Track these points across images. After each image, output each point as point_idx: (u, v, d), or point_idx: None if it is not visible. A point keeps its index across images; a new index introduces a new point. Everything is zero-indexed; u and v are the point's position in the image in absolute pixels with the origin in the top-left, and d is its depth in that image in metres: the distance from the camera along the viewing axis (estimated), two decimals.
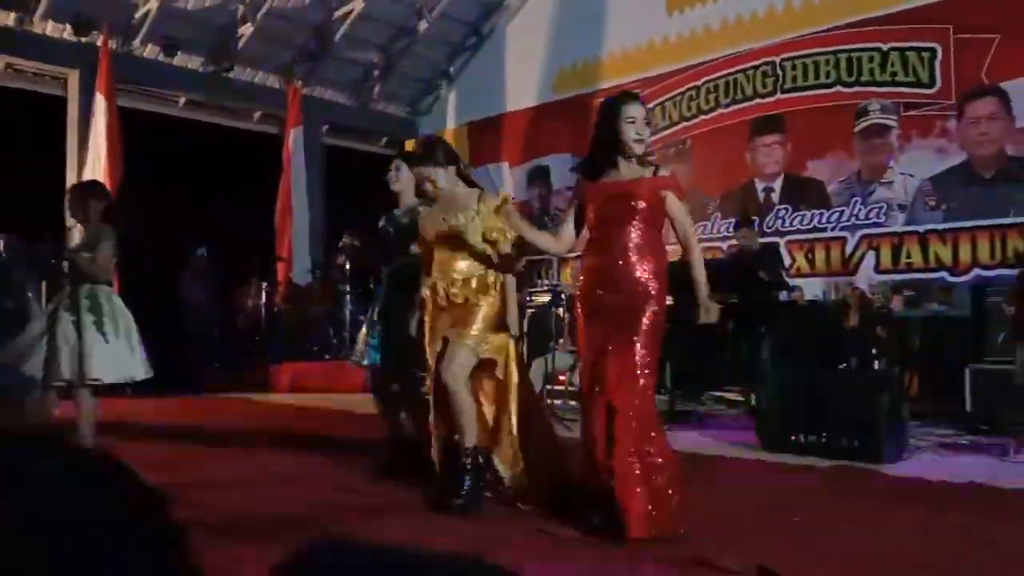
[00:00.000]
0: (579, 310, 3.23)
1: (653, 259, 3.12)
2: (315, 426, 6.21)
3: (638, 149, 3.14)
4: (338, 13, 11.09)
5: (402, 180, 4.30)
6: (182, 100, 11.34)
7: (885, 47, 8.28)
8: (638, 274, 3.09)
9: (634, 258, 3.09)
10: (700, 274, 3.11)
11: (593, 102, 10.29)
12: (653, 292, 3.09)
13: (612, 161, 3.21)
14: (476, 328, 3.46)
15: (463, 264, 3.54)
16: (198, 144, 10.86)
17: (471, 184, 3.74)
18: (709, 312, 3.08)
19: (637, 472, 2.91)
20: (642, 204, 3.11)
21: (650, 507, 2.88)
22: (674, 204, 3.16)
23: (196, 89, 11.15)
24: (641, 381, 3.00)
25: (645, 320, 3.04)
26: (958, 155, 7.81)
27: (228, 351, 9.68)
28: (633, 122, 3.13)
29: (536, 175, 11.30)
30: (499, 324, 3.55)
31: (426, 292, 3.60)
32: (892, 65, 8.24)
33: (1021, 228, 7.27)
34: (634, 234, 3.10)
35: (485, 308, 3.50)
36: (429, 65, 12.61)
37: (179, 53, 10.67)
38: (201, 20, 10.53)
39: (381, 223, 4.40)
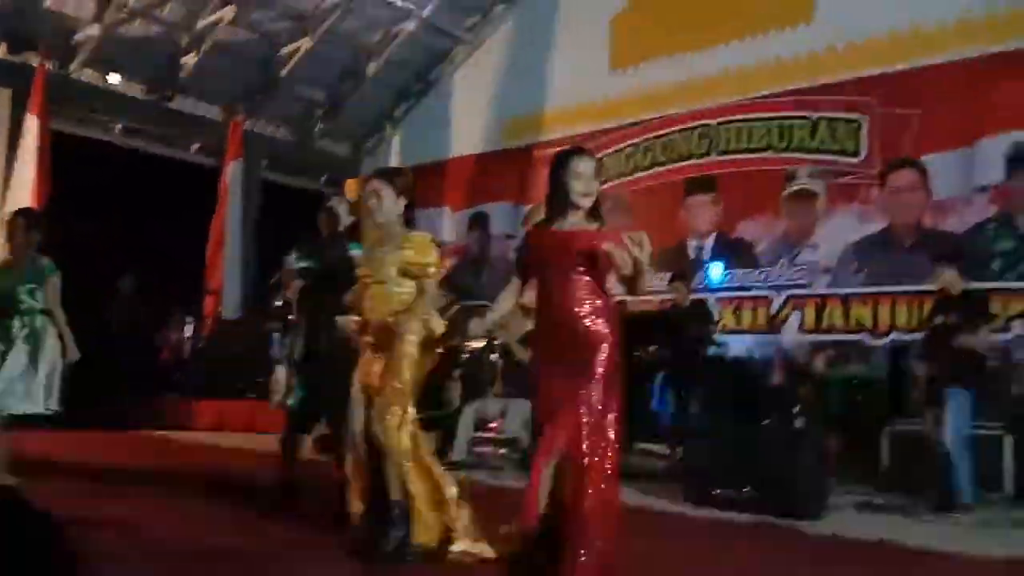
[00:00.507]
0: (533, 359, 3.24)
1: (601, 306, 3.15)
2: (231, 467, 6.02)
3: (585, 203, 3.20)
4: (285, 50, 11.09)
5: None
6: (119, 126, 11.11)
7: (815, 116, 8.66)
8: (587, 322, 3.11)
9: (581, 306, 3.12)
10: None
11: (536, 153, 10.54)
12: (604, 338, 3.11)
13: (561, 213, 3.27)
14: (403, 378, 3.43)
15: (391, 304, 3.52)
16: (133, 172, 10.63)
17: (407, 224, 3.74)
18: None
19: (588, 527, 2.87)
20: (585, 248, 3.16)
21: (596, 560, 2.86)
22: (618, 256, 3.20)
23: (134, 116, 10.95)
24: (604, 428, 3.00)
25: (600, 367, 3.05)
26: (880, 222, 8.16)
27: (150, 386, 9.36)
28: (580, 177, 3.19)
29: (476, 221, 11.38)
30: (424, 367, 3.53)
31: (354, 331, 3.57)
32: (821, 134, 8.61)
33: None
34: (579, 283, 3.14)
35: (413, 351, 3.47)
36: (375, 106, 12.67)
37: (119, 79, 10.48)
38: (144, 47, 10.39)
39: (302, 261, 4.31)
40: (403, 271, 3.50)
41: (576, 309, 3.09)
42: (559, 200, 3.22)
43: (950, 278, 5.14)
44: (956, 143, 7.74)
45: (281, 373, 4.32)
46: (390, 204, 3.61)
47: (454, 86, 12.17)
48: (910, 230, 8.01)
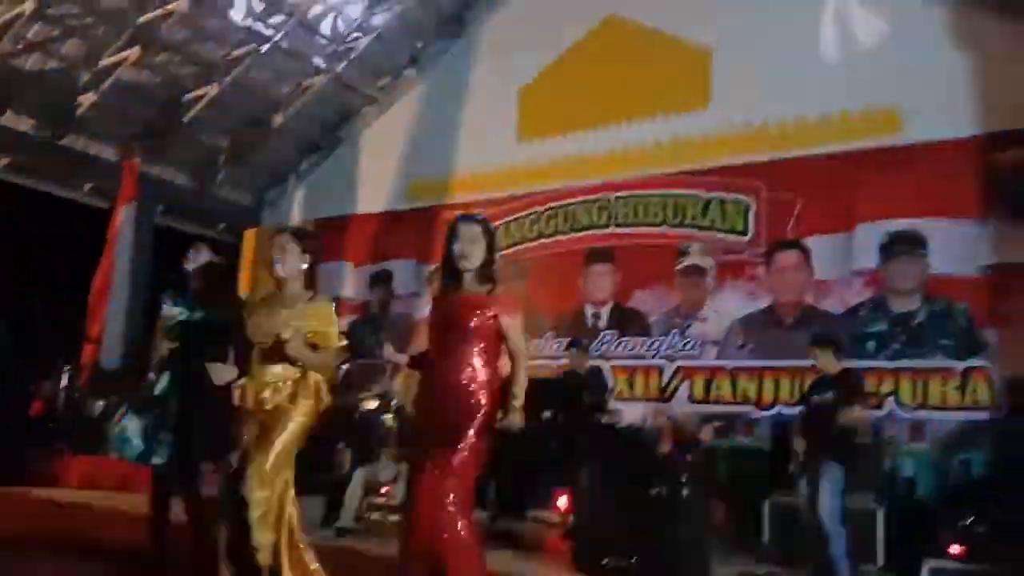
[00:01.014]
0: (413, 422, 3.23)
1: (484, 377, 3.18)
2: (98, 529, 5.64)
3: (465, 265, 3.25)
4: (191, 95, 10.87)
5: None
6: (4, 161, 10.56)
7: (707, 196, 9.11)
8: (466, 391, 3.13)
9: (465, 375, 3.14)
10: (519, 387, 3.18)
11: (442, 214, 10.62)
12: (478, 409, 3.13)
13: (454, 278, 3.31)
14: (285, 448, 3.33)
15: (279, 368, 3.43)
16: (17, 211, 10.07)
17: (311, 286, 3.67)
18: (514, 416, 3.13)
19: None
20: (475, 322, 3.19)
21: None
22: (507, 323, 3.26)
23: (23, 152, 10.43)
24: (462, 499, 3.00)
25: (470, 438, 3.06)
26: (765, 299, 8.58)
27: (20, 439, 8.70)
28: (462, 239, 3.25)
29: (379, 278, 11.31)
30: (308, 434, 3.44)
31: (237, 394, 3.45)
32: (712, 212, 9.06)
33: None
34: (467, 351, 3.17)
35: (293, 424, 3.37)
36: (280, 158, 12.53)
37: (9, 112, 10.01)
38: (38, 82, 9.98)
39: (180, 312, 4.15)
40: (305, 339, 3.41)
41: (457, 377, 3.13)
42: (447, 265, 3.31)
43: (825, 358, 5.44)
44: (836, 228, 8.29)
45: (133, 424, 4.02)
46: (294, 261, 3.55)
47: (363, 143, 12.20)
48: (793, 308, 8.45)
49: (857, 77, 8.41)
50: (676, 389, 8.78)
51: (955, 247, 7.66)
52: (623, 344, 9.23)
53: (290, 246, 3.54)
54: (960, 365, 7.49)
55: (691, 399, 8.66)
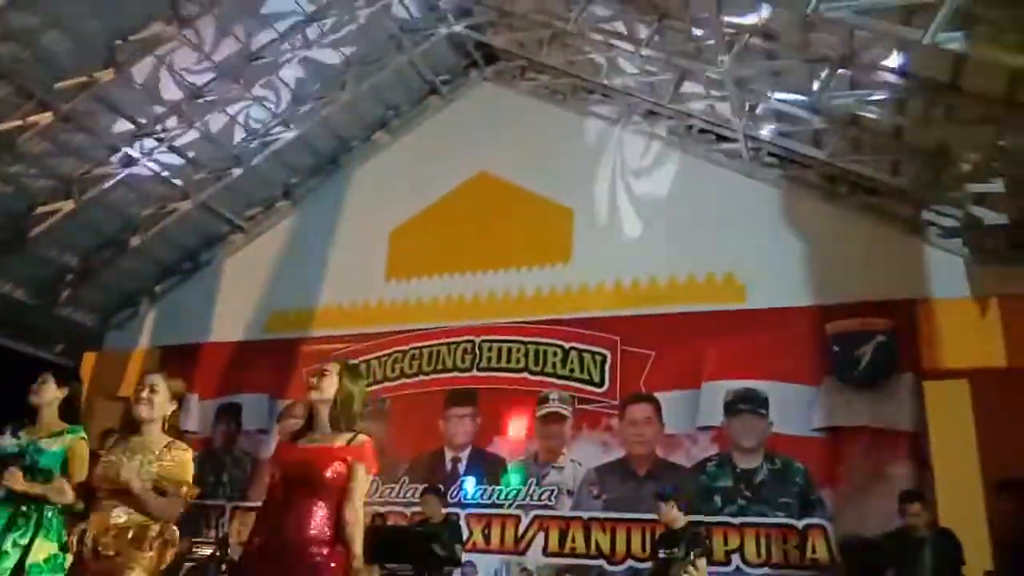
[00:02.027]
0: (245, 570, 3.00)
1: (328, 529, 3.02)
2: None
3: (321, 407, 3.16)
4: (43, 208, 10.32)
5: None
6: None
7: (567, 346, 9.38)
8: (312, 548, 2.96)
9: (312, 531, 2.97)
10: (355, 546, 3.00)
11: (301, 349, 10.36)
12: (319, 564, 2.95)
13: (309, 426, 3.21)
14: None
15: (122, 512, 3.15)
16: None
17: (169, 429, 3.45)
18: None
19: None
20: (328, 473, 3.06)
21: None
22: (358, 472, 3.13)
23: None
24: None
25: None
26: (618, 450, 8.74)
27: None
28: (319, 386, 3.18)
29: (226, 411, 10.69)
30: None
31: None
32: (571, 362, 9.30)
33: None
34: (313, 502, 3.02)
35: (137, 570, 3.06)
36: (133, 279, 11.95)
37: None
38: None
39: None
40: (156, 485, 3.18)
41: (301, 535, 2.96)
42: (308, 409, 3.21)
43: (669, 512, 5.54)
44: (684, 384, 8.68)
45: None
46: (162, 403, 3.38)
47: (224, 270, 11.90)
48: (645, 460, 8.63)
49: (703, 248, 9.15)
50: (531, 540, 8.61)
51: (793, 408, 8.17)
52: (481, 491, 9.05)
53: (162, 386, 3.38)
54: (800, 523, 7.80)
55: (546, 551, 8.51)
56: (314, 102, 10.82)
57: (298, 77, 10.50)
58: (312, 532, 2.98)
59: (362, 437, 3.19)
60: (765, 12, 7.65)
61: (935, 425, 7.70)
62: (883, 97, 7.67)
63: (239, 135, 10.79)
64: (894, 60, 7.25)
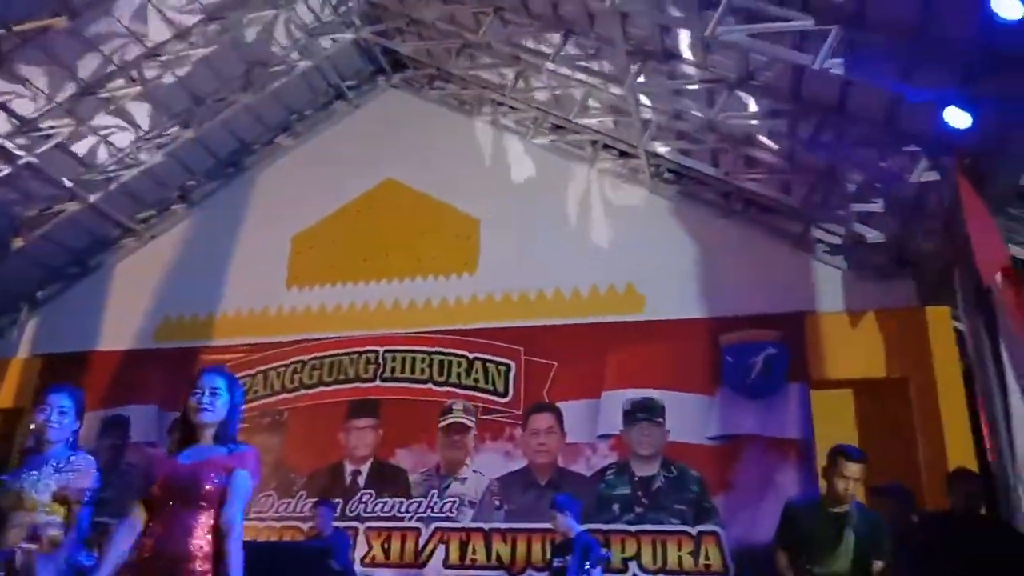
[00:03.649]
0: None
1: (210, 542, 2.91)
2: None
3: (206, 420, 3.05)
4: None
5: None
6: None
7: (471, 356, 9.36)
8: (196, 564, 2.85)
9: (195, 546, 2.86)
10: (232, 568, 2.89)
11: (196, 357, 9.97)
12: None
13: (191, 435, 3.08)
14: None
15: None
16: None
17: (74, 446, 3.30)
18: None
19: None
20: (207, 486, 2.95)
21: None
22: (240, 482, 3.03)
23: None
24: None
25: None
26: (520, 461, 8.76)
27: None
28: (202, 393, 3.07)
29: (113, 424, 10.15)
30: None
31: None
32: (476, 372, 9.28)
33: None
34: (195, 516, 2.91)
35: None
36: (13, 284, 11.26)
37: None
38: None
39: None
40: (57, 496, 3.02)
41: (182, 549, 2.84)
42: (185, 419, 3.10)
43: (563, 521, 5.58)
44: (586, 394, 8.79)
45: None
46: (70, 423, 3.23)
47: (115, 275, 11.36)
48: (547, 469, 8.68)
49: (606, 260, 9.32)
50: (432, 553, 8.53)
51: (689, 417, 8.39)
52: (382, 504, 8.90)
53: (68, 404, 3.24)
54: (694, 530, 8.00)
55: (446, 563, 8.44)
56: (214, 103, 10.49)
57: (197, 76, 10.15)
58: (194, 546, 2.88)
59: (245, 447, 3.11)
60: (667, 33, 7.89)
61: (821, 433, 8.05)
62: (775, 119, 8.01)
63: (132, 135, 10.34)
64: (786, 83, 7.58)
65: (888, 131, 7.21)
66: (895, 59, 6.32)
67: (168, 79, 9.97)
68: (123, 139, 10.33)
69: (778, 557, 4.42)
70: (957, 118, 5.98)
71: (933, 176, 6.94)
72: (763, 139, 8.49)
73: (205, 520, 2.93)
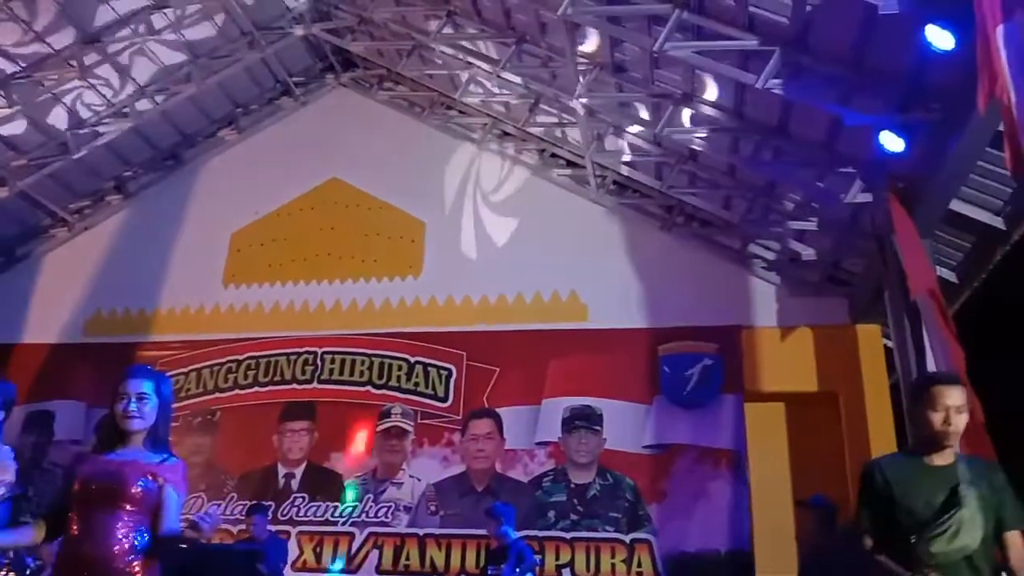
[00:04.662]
0: None
1: (140, 547, 2.83)
2: None
3: (133, 426, 2.96)
4: None
5: None
6: None
7: (412, 360, 9.29)
8: (118, 564, 2.76)
9: (117, 546, 2.77)
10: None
11: (130, 353, 9.65)
12: None
13: (118, 437, 2.98)
14: None
15: None
16: None
17: None
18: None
19: None
20: (133, 489, 2.86)
21: None
22: (170, 495, 2.94)
23: None
24: None
25: None
26: (458, 466, 8.73)
27: None
28: (128, 396, 2.98)
29: (36, 421, 9.74)
30: None
31: None
32: (416, 376, 9.22)
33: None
34: (122, 521, 2.82)
35: None
36: None
37: None
38: None
39: None
40: None
41: (105, 552, 2.75)
42: (110, 420, 2.99)
43: (497, 529, 5.58)
44: (526, 401, 8.81)
45: None
46: None
47: (44, 266, 10.94)
48: (484, 475, 8.67)
49: (550, 267, 9.36)
50: (365, 558, 8.42)
51: (626, 426, 8.48)
52: (315, 508, 8.76)
53: None
54: (627, 538, 8.08)
55: (379, 569, 8.34)
56: (155, 93, 10.20)
57: (138, 65, 9.88)
58: (113, 547, 2.80)
59: (175, 460, 3.02)
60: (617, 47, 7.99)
61: (754, 444, 8.23)
62: (719, 135, 8.17)
63: (68, 121, 9.99)
64: (730, 101, 7.75)
65: (826, 152, 7.43)
66: (835, 83, 6.51)
67: (107, 67, 9.68)
68: (58, 123, 9.97)
69: (864, 541, 3.13)
70: (891, 142, 6.19)
71: (867, 198, 7.16)
72: (705, 154, 8.65)
73: (128, 521, 2.85)
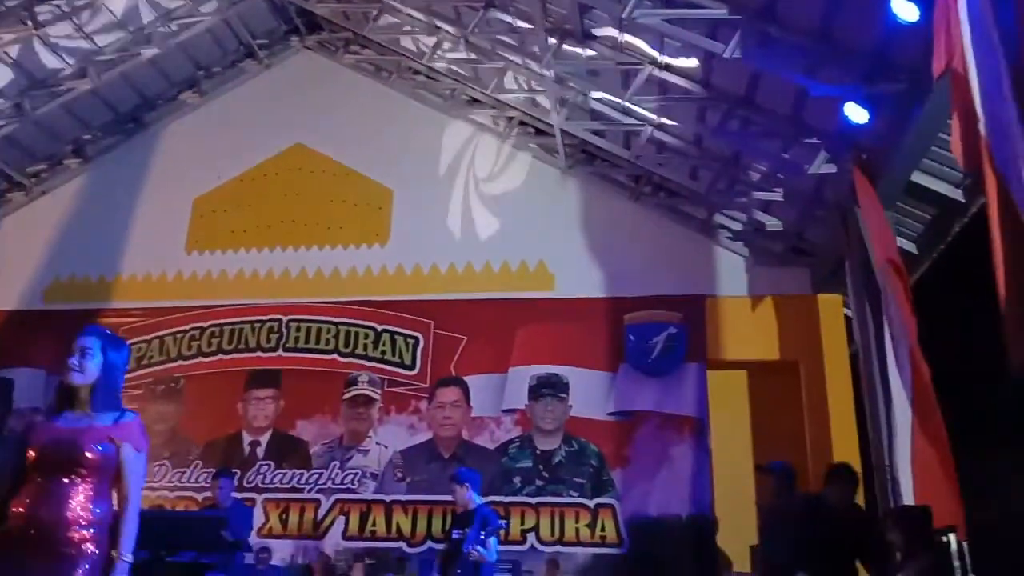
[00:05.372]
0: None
1: (96, 516, 2.79)
2: None
3: (79, 380, 2.91)
4: None
5: None
6: None
7: (379, 328, 9.26)
8: (71, 533, 2.72)
9: (71, 514, 2.73)
10: (126, 536, 2.80)
11: (92, 321, 9.48)
12: (86, 554, 2.72)
13: (69, 400, 2.93)
14: None
15: None
16: None
17: None
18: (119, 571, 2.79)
19: None
20: (89, 454, 2.82)
21: None
22: (128, 455, 2.91)
23: None
24: None
25: None
26: (425, 433, 8.77)
27: None
28: (78, 356, 2.93)
29: None
30: None
31: None
32: (383, 345, 9.20)
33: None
34: (78, 489, 2.78)
35: None
36: None
37: None
38: None
39: None
40: None
41: (58, 516, 2.72)
42: (62, 384, 2.94)
43: (462, 494, 5.63)
44: (493, 369, 8.85)
45: None
46: None
47: (0, 232, 10.66)
48: (451, 443, 8.72)
49: (518, 237, 9.36)
50: (331, 524, 8.45)
51: (591, 393, 8.58)
52: (281, 475, 8.75)
53: None
54: (591, 503, 8.20)
55: (345, 535, 8.38)
56: (114, 54, 9.92)
57: (98, 24, 9.58)
58: (69, 515, 2.75)
59: (129, 415, 2.97)
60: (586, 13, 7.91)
61: (716, 412, 8.37)
62: (686, 105, 8.18)
63: (23, 82, 9.68)
64: (699, 70, 7.74)
65: (792, 123, 7.47)
66: (802, 54, 6.53)
67: (65, 25, 9.38)
68: (12, 85, 9.66)
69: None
70: (856, 114, 6.24)
71: (831, 169, 7.23)
72: (673, 124, 8.65)
73: (84, 489, 2.81)
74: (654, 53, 7.85)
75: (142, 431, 3.01)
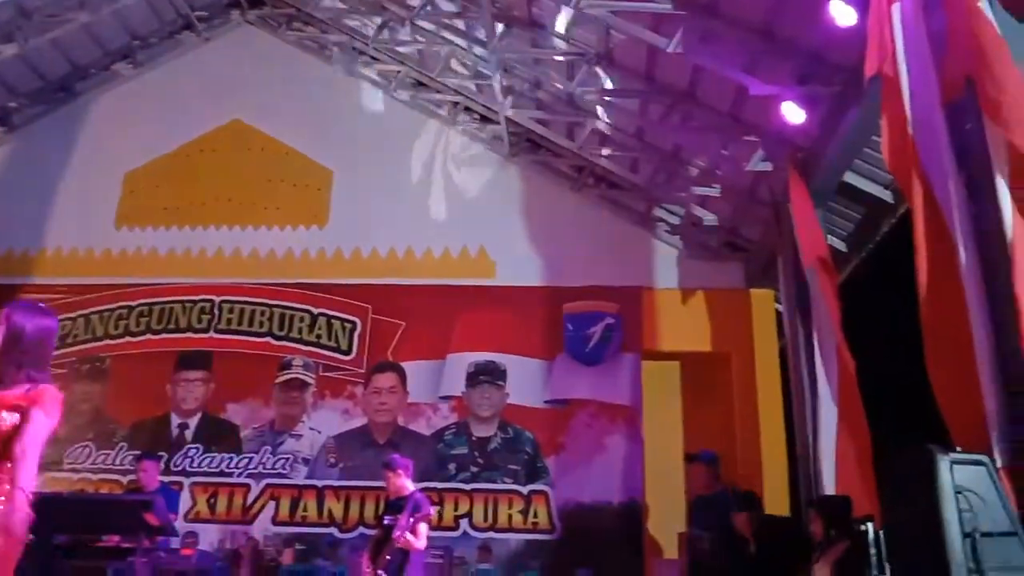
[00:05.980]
0: None
1: (6, 497, 2.69)
2: None
3: None
4: None
5: None
6: None
7: (316, 311, 9.12)
8: None
9: None
10: (17, 510, 2.67)
11: (13, 296, 9.09)
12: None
13: None
14: None
15: None
16: None
17: None
18: None
19: None
20: (4, 425, 2.71)
21: None
22: (36, 418, 2.78)
23: None
24: None
25: None
26: (360, 419, 8.69)
27: None
28: None
29: None
30: None
31: None
32: (319, 328, 9.06)
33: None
34: None
35: None
36: None
37: None
38: None
39: None
40: None
41: None
42: None
43: (395, 482, 5.62)
44: (431, 355, 8.82)
45: None
46: None
47: None
48: (386, 428, 8.67)
49: (460, 223, 9.33)
50: (261, 510, 8.32)
51: (528, 381, 8.63)
52: (210, 459, 8.56)
53: None
54: (525, 489, 8.27)
55: (275, 520, 8.27)
56: (44, 19, 9.48)
57: None
58: None
59: (43, 385, 2.85)
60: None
61: (649, 401, 8.52)
62: (629, 98, 8.25)
63: None
64: (642, 64, 7.81)
65: (731, 120, 7.61)
66: (743, 52, 6.65)
67: None
68: None
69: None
70: (793, 114, 6.38)
71: (767, 167, 7.39)
72: (616, 116, 8.72)
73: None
74: (599, 45, 7.88)
75: (55, 401, 2.88)
